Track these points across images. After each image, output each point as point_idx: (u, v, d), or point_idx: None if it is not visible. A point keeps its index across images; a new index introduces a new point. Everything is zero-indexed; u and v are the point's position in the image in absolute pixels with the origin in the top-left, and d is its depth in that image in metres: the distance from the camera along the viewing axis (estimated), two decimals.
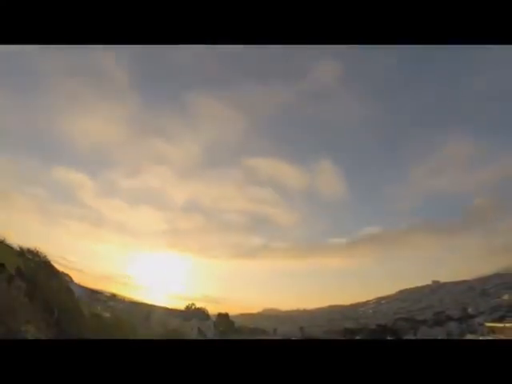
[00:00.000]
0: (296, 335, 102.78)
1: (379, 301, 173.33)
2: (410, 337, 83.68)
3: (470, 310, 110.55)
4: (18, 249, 34.00)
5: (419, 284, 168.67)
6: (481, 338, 45.53)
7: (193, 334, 76.76)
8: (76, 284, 64.45)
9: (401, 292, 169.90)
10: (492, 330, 45.68)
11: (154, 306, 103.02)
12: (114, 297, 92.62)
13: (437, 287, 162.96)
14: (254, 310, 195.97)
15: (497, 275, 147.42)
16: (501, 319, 57.62)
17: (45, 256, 35.24)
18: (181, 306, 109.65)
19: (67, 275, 56.99)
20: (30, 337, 15.40)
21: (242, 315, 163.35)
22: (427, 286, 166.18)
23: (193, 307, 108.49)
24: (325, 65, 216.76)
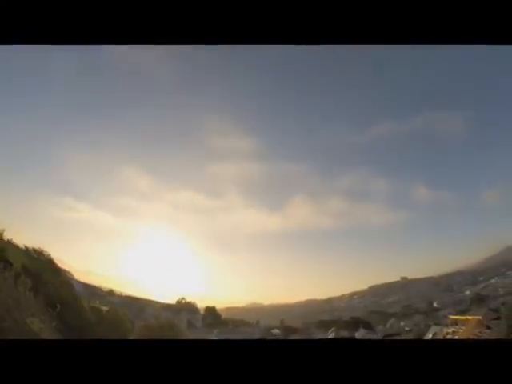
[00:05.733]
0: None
1: None
2: None
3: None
4: (24, 248, 33.68)
5: None
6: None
7: (183, 326, 76.25)
8: (76, 280, 63.76)
9: None
10: (455, 322, 46.23)
11: (148, 301, 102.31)
12: (111, 292, 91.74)
13: None
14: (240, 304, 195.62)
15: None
16: (464, 312, 58.26)
17: (48, 255, 35.05)
18: (172, 300, 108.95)
19: (69, 272, 56.47)
20: (34, 328, 15.28)
21: (228, 308, 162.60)
22: None
23: (183, 301, 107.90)
24: None
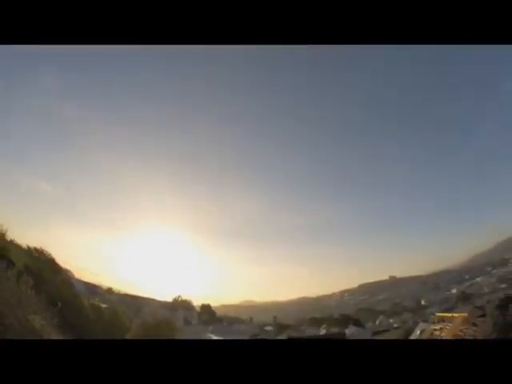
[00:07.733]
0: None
1: None
2: None
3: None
4: (26, 248, 33.60)
5: None
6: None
7: (179, 323, 75.95)
8: (76, 279, 63.46)
9: None
10: (442, 319, 46.25)
11: (145, 299, 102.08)
12: (110, 290, 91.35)
13: None
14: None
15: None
16: (450, 310, 58.26)
17: (49, 254, 35.03)
18: (169, 298, 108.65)
19: (69, 271, 56.30)
20: (36, 325, 15.15)
21: (223, 306, 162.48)
22: None
23: (179, 299, 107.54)
24: None
